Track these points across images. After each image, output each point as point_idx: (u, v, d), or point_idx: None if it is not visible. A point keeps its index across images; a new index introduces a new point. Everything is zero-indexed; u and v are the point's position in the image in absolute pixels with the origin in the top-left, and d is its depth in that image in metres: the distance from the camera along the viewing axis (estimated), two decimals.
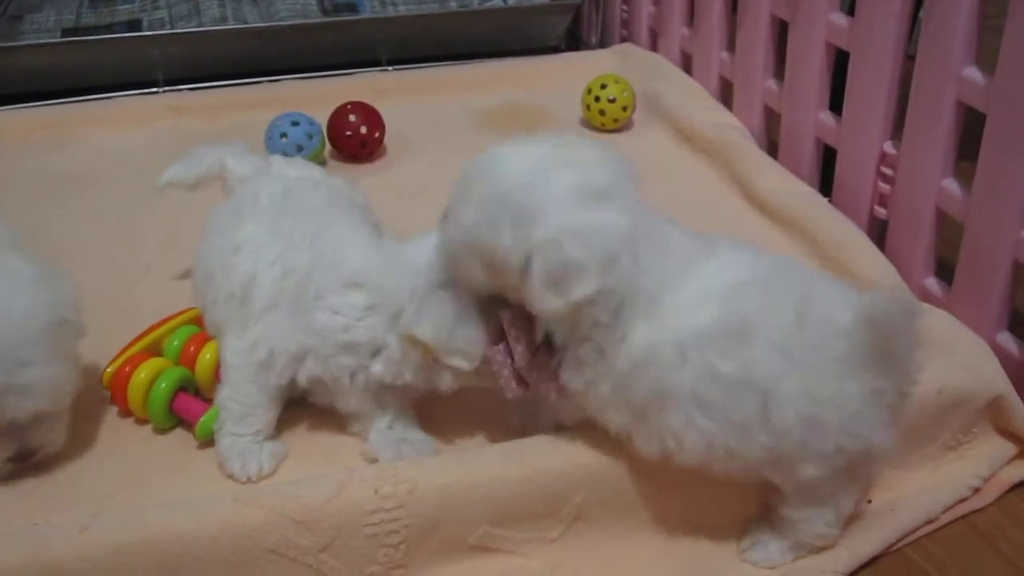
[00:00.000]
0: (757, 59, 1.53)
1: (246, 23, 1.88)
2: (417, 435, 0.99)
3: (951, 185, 1.16)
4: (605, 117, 1.62)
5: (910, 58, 1.20)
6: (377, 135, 1.54)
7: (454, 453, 0.93)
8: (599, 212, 0.81)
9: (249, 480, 0.94)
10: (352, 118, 1.52)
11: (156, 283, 1.24)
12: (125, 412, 1.03)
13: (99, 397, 1.04)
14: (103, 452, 0.99)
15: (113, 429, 1.02)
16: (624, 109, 1.62)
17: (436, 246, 0.90)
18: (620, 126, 1.64)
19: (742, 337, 0.79)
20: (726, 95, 1.66)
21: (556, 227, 0.79)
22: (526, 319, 0.86)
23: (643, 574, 0.90)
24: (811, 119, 1.42)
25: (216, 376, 1.00)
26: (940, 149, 1.16)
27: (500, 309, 0.87)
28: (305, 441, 1.00)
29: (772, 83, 1.53)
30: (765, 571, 0.89)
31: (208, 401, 1.00)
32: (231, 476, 0.95)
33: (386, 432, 0.98)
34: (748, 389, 0.79)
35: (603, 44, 2.02)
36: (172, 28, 1.87)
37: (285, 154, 1.39)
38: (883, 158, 1.27)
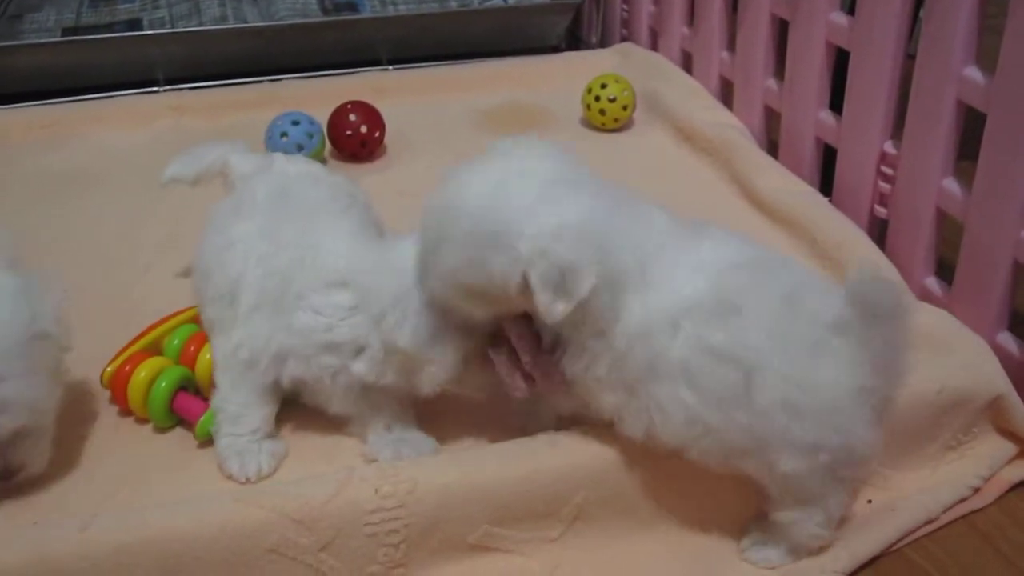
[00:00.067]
0: (757, 58, 1.53)
1: (246, 22, 1.88)
2: (416, 435, 0.99)
3: (951, 185, 1.16)
4: (605, 117, 1.62)
5: (910, 57, 1.20)
6: (377, 134, 1.54)
7: (454, 453, 0.93)
8: (571, 205, 0.81)
9: (248, 481, 0.94)
10: (352, 117, 1.52)
11: (156, 282, 1.24)
12: (125, 411, 1.03)
13: (99, 396, 1.04)
14: (103, 451, 0.99)
15: (113, 428, 1.02)
16: (624, 108, 1.62)
17: (423, 297, 0.89)
18: (620, 126, 1.64)
19: (732, 311, 0.80)
20: (726, 95, 1.66)
21: (538, 236, 0.80)
22: (525, 318, 0.86)
23: (643, 574, 0.90)
24: (811, 118, 1.42)
25: None
26: (940, 149, 1.16)
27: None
28: (305, 441, 1.00)
29: (772, 82, 1.53)
30: (765, 571, 0.89)
31: (208, 400, 1.00)
32: (230, 477, 0.95)
33: (385, 432, 0.98)
34: (733, 364, 0.80)
35: (603, 44, 2.02)
36: (172, 27, 1.88)
37: (285, 153, 1.39)
38: (883, 158, 1.27)
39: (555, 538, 0.91)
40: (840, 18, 1.32)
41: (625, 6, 1.95)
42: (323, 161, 1.53)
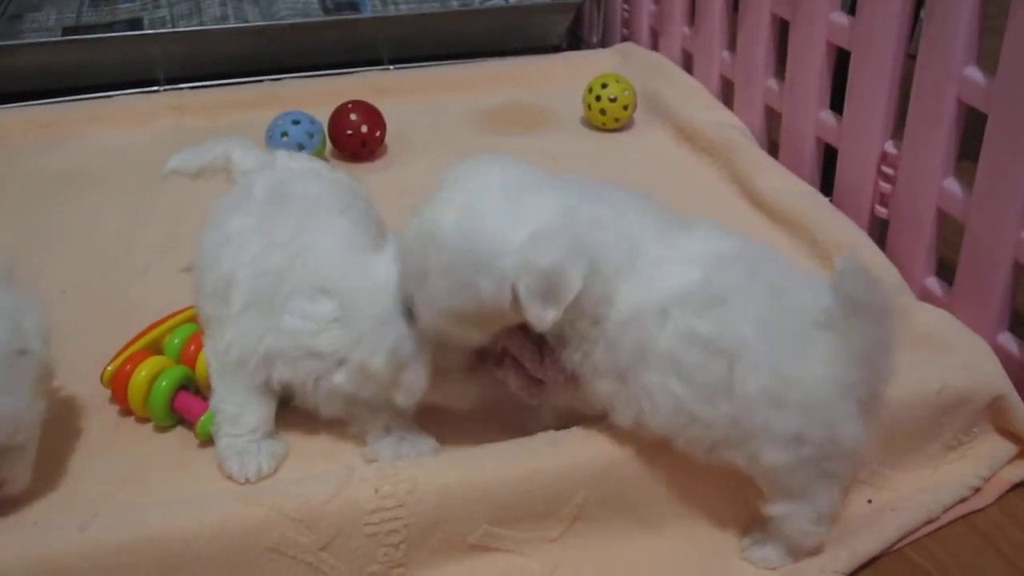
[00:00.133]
0: (758, 58, 1.53)
1: (247, 22, 1.88)
2: (415, 435, 0.98)
3: (952, 185, 1.16)
4: (606, 116, 1.62)
5: (911, 58, 1.20)
6: (378, 134, 1.54)
7: (454, 453, 0.93)
8: (540, 209, 0.82)
9: (248, 481, 0.94)
10: (353, 117, 1.52)
11: (156, 282, 1.24)
12: (126, 411, 1.02)
13: (100, 396, 1.04)
14: (104, 451, 0.99)
15: (114, 428, 1.02)
16: (625, 108, 1.62)
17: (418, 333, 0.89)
18: (621, 125, 1.64)
19: (719, 300, 0.81)
20: (727, 94, 1.66)
21: (517, 249, 0.80)
22: (520, 329, 0.86)
23: (643, 573, 0.90)
24: (812, 118, 1.42)
25: None
26: (941, 149, 1.15)
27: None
28: (305, 440, 1.00)
29: (773, 82, 1.52)
30: (765, 571, 0.89)
31: (208, 400, 1.00)
32: (230, 477, 0.95)
33: (384, 433, 0.97)
34: (718, 352, 0.80)
35: (604, 43, 2.02)
36: (173, 27, 1.88)
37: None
38: (884, 158, 1.27)
39: (555, 538, 0.91)
40: (841, 18, 1.32)
41: (626, 6, 1.95)
42: (324, 160, 1.53)
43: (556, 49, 2.01)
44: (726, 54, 1.65)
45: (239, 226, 1.00)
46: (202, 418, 0.98)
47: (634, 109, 1.64)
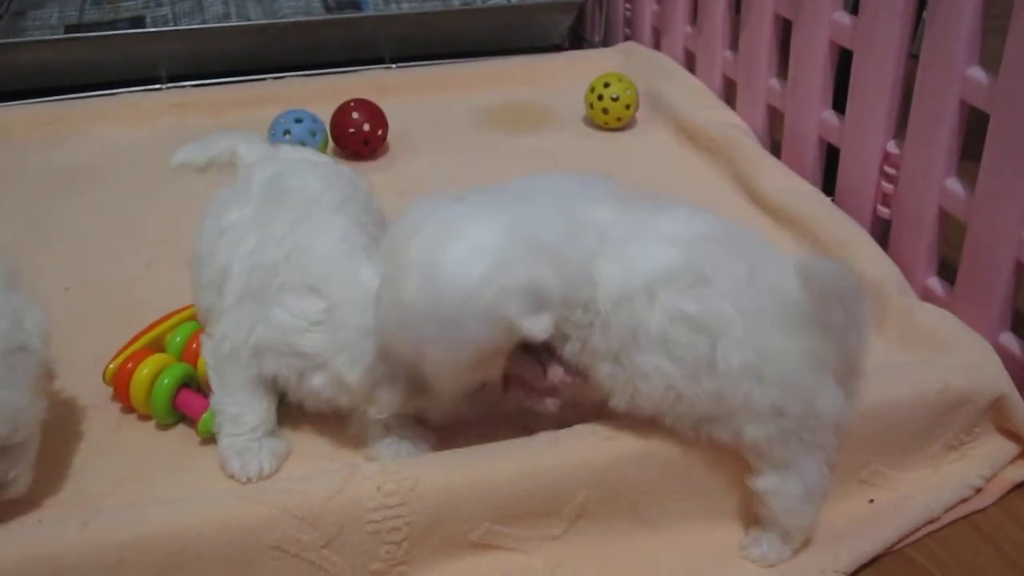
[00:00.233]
0: (760, 58, 1.53)
1: (249, 20, 1.88)
2: (416, 433, 0.98)
3: (954, 185, 1.16)
4: (608, 116, 1.62)
5: (914, 57, 1.20)
6: (380, 133, 1.54)
7: (456, 451, 0.93)
8: (493, 230, 0.82)
9: (249, 480, 0.94)
10: (355, 115, 1.52)
11: (158, 279, 1.24)
12: (128, 408, 1.03)
13: (102, 393, 1.04)
14: (105, 448, 0.99)
15: (116, 425, 1.02)
16: (627, 108, 1.62)
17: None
18: (623, 125, 1.64)
19: (703, 279, 0.83)
20: (729, 94, 1.66)
21: (491, 275, 0.80)
22: (519, 348, 0.86)
23: (645, 572, 0.90)
24: (814, 118, 1.42)
25: None
26: (943, 149, 1.15)
27: None
28: (307, 438, 1.00)
29: (775, 82, 1.52)
30: (765, 569, 0.89)
31: (210, 398, 1.00)
32: (231, 477, 0.95)
33: (384, 432, 0.97)
34: (703, 330, 0.82)
35: (606, 42, 2.02)
36: (175, 25, 1.88)
37: None
38: (886, 157, 1.27)
39: (557, 536, 0.91)
40: (843, 18, 1.32)
41: (628, 5, 1.95)
42: None
43: (558, 48, 2.01)
44: (728, 53, 1.65)
45: (236, 218, 1.00)
46: (204, 416, 0.98)
47: (636, 108, 1.64)
